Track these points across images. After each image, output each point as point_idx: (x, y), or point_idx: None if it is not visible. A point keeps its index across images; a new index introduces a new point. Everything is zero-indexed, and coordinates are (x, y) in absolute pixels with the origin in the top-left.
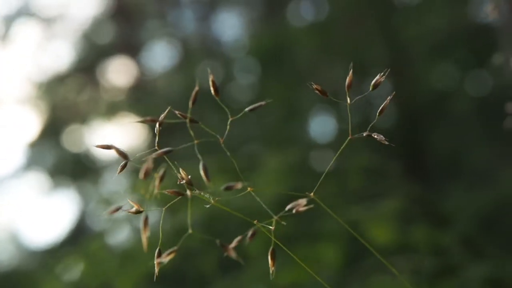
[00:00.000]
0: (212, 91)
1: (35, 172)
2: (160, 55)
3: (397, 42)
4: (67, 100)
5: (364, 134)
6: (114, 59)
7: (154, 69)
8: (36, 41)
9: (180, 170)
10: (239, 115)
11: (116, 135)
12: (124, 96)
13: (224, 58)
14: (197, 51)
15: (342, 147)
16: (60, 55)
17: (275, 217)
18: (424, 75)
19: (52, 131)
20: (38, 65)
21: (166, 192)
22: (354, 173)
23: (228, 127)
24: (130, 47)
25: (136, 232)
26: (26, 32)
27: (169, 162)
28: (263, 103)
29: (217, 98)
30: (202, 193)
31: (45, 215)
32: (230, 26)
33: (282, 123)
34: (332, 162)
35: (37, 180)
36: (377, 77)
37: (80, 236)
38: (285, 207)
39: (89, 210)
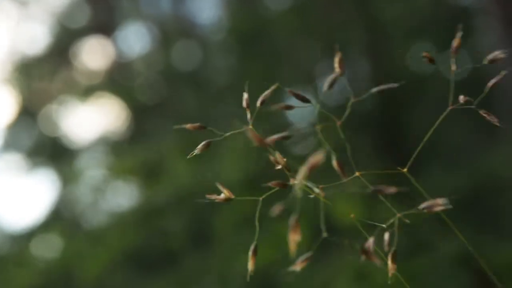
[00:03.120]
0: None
1: (12, 153)
2: (136, 37)
3: (375, 23)
4: (42, 82)
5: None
6: (90, 41)
7: (130, 50)
8: (10, 23)
9: (277, 153)
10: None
11: (94, 116)
12: (100, 78)
13: (201, 39)
14: (174, 33)
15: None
16: (35, 37)
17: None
18: (401, 57)
19: (28, 113)
20: (13, 47)
21: (270, 185)
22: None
23: None
24: (106, 29)
25: (109, 214)
26: None
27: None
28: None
29: None
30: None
31: (22, 197)
32: (207, 7)
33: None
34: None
35: (14, 161)
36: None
37: (58, 218)
38: (254, 185)
39: (66, 192)
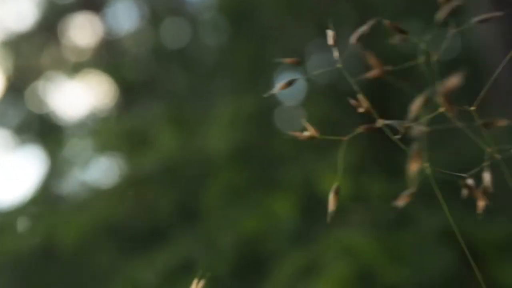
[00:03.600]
0: None
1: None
2: (125, 14)
3: (364, 2)
4: (30, 58)
5: None
6: (78, 18)
7: (119, 27)
8: None
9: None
10: None
11: (82, 93)
12: (88, 54)
13: (191, 17)
14: (163, 10)
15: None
16: (23, 13)
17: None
18: (391, 36)
19: (15, 89)
20: (0, 23)
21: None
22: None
23: None
24: (94, 5)
25: (94, 185)
26: None
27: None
28: None
29: None
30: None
31: (10, 174)
32: None
33: (249, 82)
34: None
35: (2, 138)
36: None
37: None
38: (242, 154)
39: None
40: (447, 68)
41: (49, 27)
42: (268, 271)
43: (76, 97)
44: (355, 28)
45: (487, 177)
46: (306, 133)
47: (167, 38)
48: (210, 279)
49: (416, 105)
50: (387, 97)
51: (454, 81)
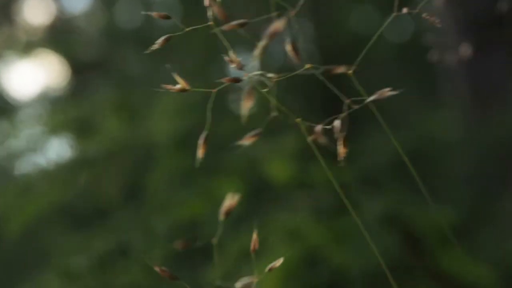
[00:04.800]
0: None
1: None
2: None
3: None
4: None
5: None
6: None
7: (72, 7)
8: None
9: (231, 53)
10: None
11: (34, 73)
12: (41, 34)
13: None
14: None
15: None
16: None
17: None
18: (344, 18)
19: None
20: None
21: (223, 80)
22: (257, 112)
23: None
24: None
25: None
26: None
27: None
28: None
29: None
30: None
31: None
32: None
33: (203, 64)
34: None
35: None
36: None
37: None
38: (184, 142)
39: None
40: (401, 51)
41: (1, 7)
42: (210, 257)
43: (28, 76)
44: (308, 11)
45: (337, 124)
46: (177, 86)
47: (120, 19)
48: (147, 263)
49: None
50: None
51: (279, 24)
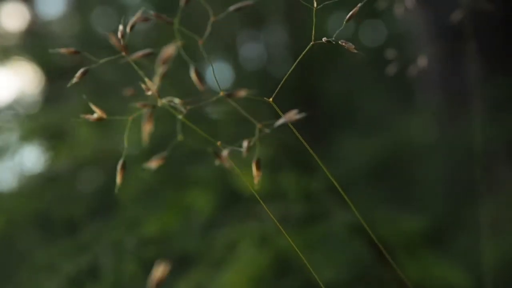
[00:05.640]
0: None
1: None
2: (54, 1)
3: None
4: None
5: None
6: (6, 3)
7: (48, 13)
8: None
9: (146, 79)
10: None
11: (8, 79)
12: (15, 40)
13: (119, 3)
14: None
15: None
16: None
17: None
18: (319, 24)
19: None
20: None
21: (137, 105)
22: (224, 121)
23: None
24: None
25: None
26: None
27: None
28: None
29: None
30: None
31: None
32: None
33: (178, 71)
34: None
35: None
36: None
37: None
38: (153, 153)
39: None
40: (375, 54)
41: None
42: (182, 268)
43: (2, 82)
44: (283, 18)
45: (245, 144)
46: (95, 115)
47: (95, 25)
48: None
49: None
50: (316, 80)
51: (169, 50)
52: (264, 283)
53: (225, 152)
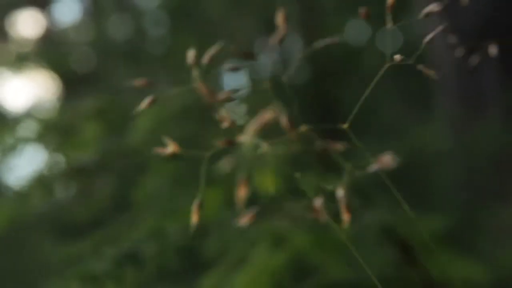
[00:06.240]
0: None
1: None
2: (70, 7)
3: None
4: None
5: None
6: (23, 10)
7: (64, 20)
8: None
9: (223, 110)
10: None
11: (25, 86)
12: (32, 47)
13: (134, 10)
14: (107, 3)
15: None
16: None
17: None
18: (335, 31)
19: None
20: None
21: (218, 143)
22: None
23: None
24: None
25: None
26: None
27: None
28: None
29: None
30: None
31: None
32: None
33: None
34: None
35: None
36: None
37: None
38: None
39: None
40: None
41: None
42: (202, 269)
43: (20, 89)
44: (299, 24)
45: (340, 193)
46: (168, 150)
47: (111, 31)
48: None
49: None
50: (334, 86)
51: (268, 114)
52: (282, 284)
53: (318, 202)
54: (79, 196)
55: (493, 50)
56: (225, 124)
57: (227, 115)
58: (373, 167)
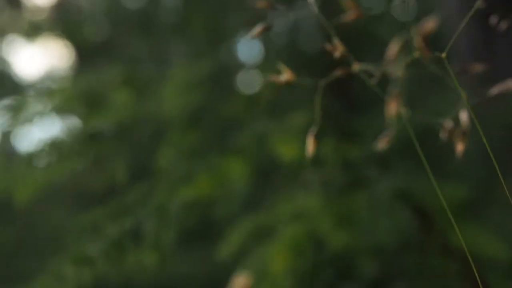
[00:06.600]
0: None
1: None
2: None
3: None
4: None
5: None
6: None
7: None
8: None
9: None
10: None
11: (39, 54)
12: (46, 16)
13: None
14: None
15: None
16: None
17: None
18: None
19: None
20: None
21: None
22: (265, 88)
23: None
24: None
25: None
26: None
27: None
28: None
29: None
30: None
31: None
32: None
33: (208, 45)
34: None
35: None
36: None
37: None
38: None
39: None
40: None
41: None
42: (219, 236)
43: (34, 57)
44: None
45: (464, 116)
46: (283, 78)
47: (124, 0)
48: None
49: (393, 48)
50: (358, 48)
51: (430, 23)
52: (303, 255)
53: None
54: (96, 165)
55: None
56: (336, 54)
57: (339, 44)
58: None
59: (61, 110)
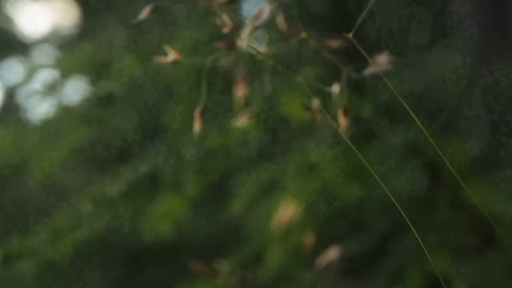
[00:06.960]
0: None
1: None
2: None
3: None
4: None
5: None
6: None
7: None
8: None
9: (224, 15)
10: None
11: (43, 12)
12: None
13: None
14: None
15: None
16: None
17: None
18: None
19: None
20: None
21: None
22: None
23: None
24: None
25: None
26: None
27: None
28: None
29: None
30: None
31: None
32: None
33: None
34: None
35: None
36: None
37: (7, 113)
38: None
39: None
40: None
41: None
42: (231, 188)
43: (38, 15)
44: None
45: (336, 89)
46: (170, 58)
47: None
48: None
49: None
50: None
51: (262, 12)
52: (314, 208)
53: (316, 103)
54: (108, 128)
55: None
56: (226, 30)
57: (227, 19)
58: (370, 69)
59: (68, 74)
